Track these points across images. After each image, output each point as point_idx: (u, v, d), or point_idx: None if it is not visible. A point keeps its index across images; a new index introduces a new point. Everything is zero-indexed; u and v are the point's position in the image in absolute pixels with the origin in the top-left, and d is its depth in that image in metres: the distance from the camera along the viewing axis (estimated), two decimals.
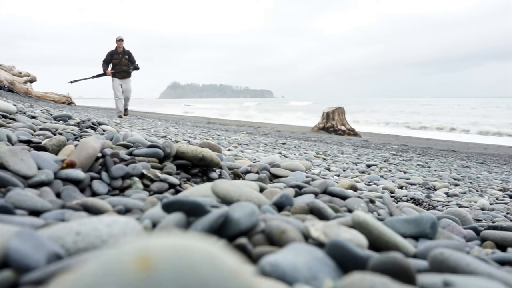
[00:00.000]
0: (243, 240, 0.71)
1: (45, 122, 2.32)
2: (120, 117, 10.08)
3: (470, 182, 3.36)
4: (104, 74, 10.54)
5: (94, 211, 0.92)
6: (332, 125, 12.09)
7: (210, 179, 1.52)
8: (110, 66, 10.54)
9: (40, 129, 1.95)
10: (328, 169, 3.31)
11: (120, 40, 10.61)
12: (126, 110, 10.69)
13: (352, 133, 11.97)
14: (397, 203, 2.02)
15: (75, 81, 10.99)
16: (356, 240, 0.74)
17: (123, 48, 10.68)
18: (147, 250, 0.33)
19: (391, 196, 2.27)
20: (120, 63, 10.46)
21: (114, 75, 10.34)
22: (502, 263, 0.84)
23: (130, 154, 1.46)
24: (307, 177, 1.71)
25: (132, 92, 10.77)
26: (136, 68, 10.60)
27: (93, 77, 10.86)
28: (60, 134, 1.89)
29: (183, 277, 0.32)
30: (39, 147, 1.39)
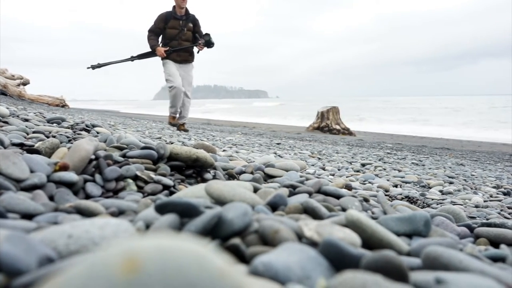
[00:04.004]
0: (236, 241, 0.71)
1: (38, 125, 2.30)
2: (174, 124, 6.55)
3: (465, 180, 3.38)
4: (153, 53, 6.38)
5: (87, 213, 0.92)
6: (327, 124, 12.12)
7: (205, 180, 1.51)
8: (161, 40, 6.41)
9: (33, 132, 1.93)
10: (323, 169, 3.31)
11: None
12: (183, 124, 6.58)
13: (347, 132, 12.00)
14: (391, 201, 2.03)
15: (99, 65, 6.83)
16: (349, 239, 0.74)
17: (186, 9, 6.30)
18: (134, 252, 0.33)
19: (386, 195, 2.27)
20: (179, 36, 6.24)
21: (169, 55, 6.23)
22: (495, 259, 0.84)
23: (124, 156, 1.46)
24: (301, 176, 1.71)
25: (192, 86, 6.53)
26: (209, 44, 6.32)
27: (133, 58, 6.68)
28: (54, 136, 1.88)
29: (170, 278, 0.32)
30: (32, 150, 1.38)
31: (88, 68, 6.83)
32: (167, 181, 1.32)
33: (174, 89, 6.23)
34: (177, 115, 6.57)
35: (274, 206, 1.06)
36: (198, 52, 6.46)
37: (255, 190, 1.26)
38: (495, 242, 1.11)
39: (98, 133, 2.46)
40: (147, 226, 0.80)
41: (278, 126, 14.75)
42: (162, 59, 6.38)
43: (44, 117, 2.88)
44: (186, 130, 6.48)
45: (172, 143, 3.60)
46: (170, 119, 6.63)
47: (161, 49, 6.23)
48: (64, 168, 1.18)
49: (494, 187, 3.04)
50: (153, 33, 6.37)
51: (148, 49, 6.51)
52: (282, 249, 0.64)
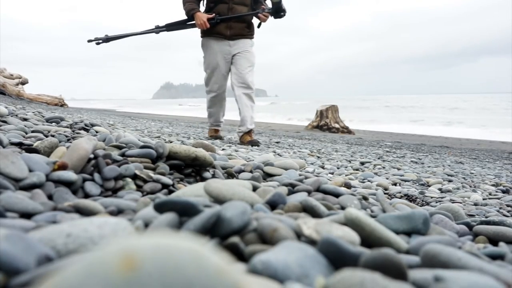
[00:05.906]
0: (235, 239, 0.71)
1: (37, 124, 2.30)
2: (217, 135, 4.75)
3: (464, 178, 3.38)
4: (189, 22, 4.25)
5: (86, 212, 0.92)
6: (326, 123, 12.11)
7: (204, 179, 1.52)
8: (204, 5, 4.29)
9: (32, 131, 1.93)
10: (323, 167, 3.31)
11: None
12: (249, 132, 4.44)
13: (346, 130, 12.00)
14: (390, 199, 2.03)
15: (108, 39, 4.55)
16: (348, 237, 0.74)
17: None
18: (132, 250, 0.33)
19: (385, 193, 2.27)
20: None
21: (213, 27, 4.11)
22: (493, 257, 0.84)
23: (123, 155, 1.46)
24: (300, 175, 1.71)
25: (254, 73, 4.30)
26: (279, 11, 4.15)
27: (159, 30, 4.35)
28: (52, 136, 1.88)
29: (168, 276, 0.32)
30: (30, 149, 1.38)
31: (91, 41, 4.63)
32: (166, 180, 1.32)
33: (211, 93, 4.36)
34: (221, 124, 4.80)
35: (273, 204, 1.06)
36: (259, 25, 4.28)
37: (254, 188, 1.27)
38: (494, 240, 1.11)
39: (97, 132, 2.46)
40: (146, 225, 0.80)
41: (277, 124, 14.75)
42: (203, 34, 4.24)
43: (43, 117, 2.88)
44: (254, 143, 4.19)
45: (171, 141, 3.60)
46: (210, 132, 4.80)
47: (202, 16, 4.00)
48: (63, 167, 1.18)
49: (493, 185, 3.04)
50: None
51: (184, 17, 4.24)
52: (280, 247, 0.64)
